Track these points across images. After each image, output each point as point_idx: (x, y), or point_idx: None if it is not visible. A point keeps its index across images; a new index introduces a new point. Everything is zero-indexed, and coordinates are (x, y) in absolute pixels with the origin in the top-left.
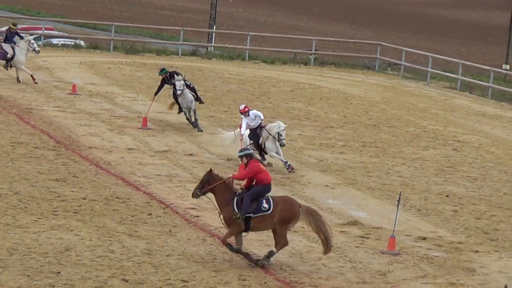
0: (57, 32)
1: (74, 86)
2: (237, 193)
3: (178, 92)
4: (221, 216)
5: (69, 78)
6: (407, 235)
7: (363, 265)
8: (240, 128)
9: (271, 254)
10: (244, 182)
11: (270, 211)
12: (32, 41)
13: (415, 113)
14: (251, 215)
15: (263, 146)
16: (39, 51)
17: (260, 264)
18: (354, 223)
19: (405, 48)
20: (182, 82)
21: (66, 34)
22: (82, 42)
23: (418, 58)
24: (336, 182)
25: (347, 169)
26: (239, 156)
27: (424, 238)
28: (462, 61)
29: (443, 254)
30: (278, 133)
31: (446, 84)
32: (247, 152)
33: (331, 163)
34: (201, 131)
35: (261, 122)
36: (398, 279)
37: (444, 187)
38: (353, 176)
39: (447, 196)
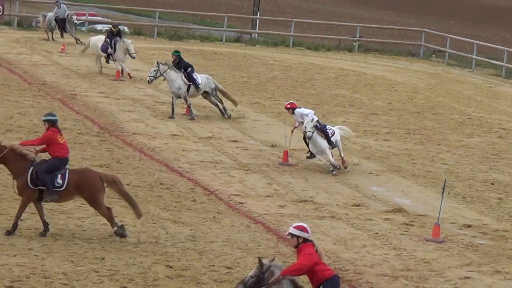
0: (101, 18)
1: (117, 72)
2: (34, 163)
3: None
4: (15, 184)
5: (113, 64)
6: (451, 223)
7: (407, 252)
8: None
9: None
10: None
11: (63, 188)
12: (130, 47)
13: (460, 100)
14: (43, 188)
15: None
16: (134, 57)
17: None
18: (399, 210)
19: (450, 35)
20: (166, 67)
21: (110, 20)
22: (126, 28)
23: (462, 45)
24: (381, 169)
25: (392, 156)
26: (43, 121)
27: (469, 226)
28: (507, 48)
29: (488, 242)
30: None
31: (491, 71)
32: (50, 117)
33: (376, 150)
34: (193, 119)
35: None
36: (442, 267)
37: (489, 174)
38: (398, 163)
39: (492, 183)
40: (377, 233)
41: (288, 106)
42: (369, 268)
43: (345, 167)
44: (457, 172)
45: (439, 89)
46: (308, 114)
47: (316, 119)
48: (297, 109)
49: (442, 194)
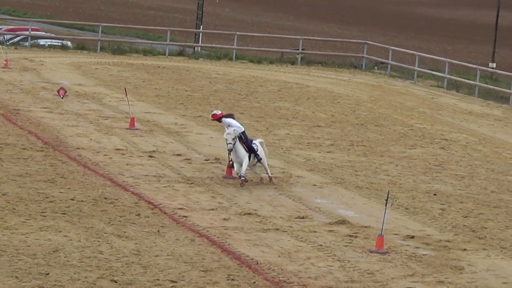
0: (44, 33)
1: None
2: None
3: None
4: None
5: (57, 79)
6: (395, 234)
7: (351, 264)
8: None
9: None
10: None
11: None
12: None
13: (402, 112)
14: None
15: None
16: None
17: None
18: (343, 222)
19: (392, 47)
20: None
21: (53, 35)
22: (69, 43)
23: (404, 57)
24: (324, 181)
25: (335, 168)
26: None
27: (412, 237)
28: (448, 59)
29: (431, 253)
30: None
31: (433, 83)
32: None
33: (319, 162)
34: None
35: None
36: (386, 278)
37: (432, 185)
38: (341, 175)
39: (435, 194)
40: (321, 245)
41: (213, 119)
42: (313, 280)
43: (273, 183)
44: (400, 183)
45: (381, 101)
46: (231, 124)
47: (241, 131)
48: (225, 118)
49: (386, 205)
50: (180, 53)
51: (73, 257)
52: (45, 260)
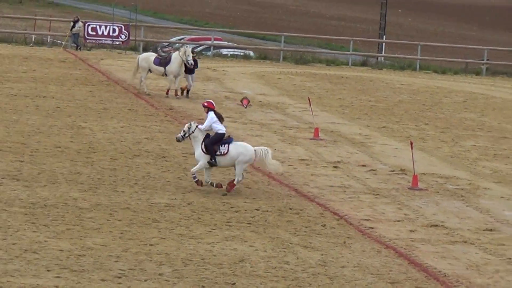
0: (226, 43)
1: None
2: None
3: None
4: None
5: (239, 88)
6: None
7: None
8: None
9: None
10: None
11: None
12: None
13: None
14: None
15: None
16: (192, 64)
17: None
18: None
19: None
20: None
21: (235, 44)
22: (251, 53)
23: None
24: None
25: None
26: None
27: None
28: None
29: None
30: None
31: None
32: None
33: (507, 174)
34: None
35: None
36: None
37: None
38: None
39: None
40: (510, 258)
41: (206, 104)
42: None
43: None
44: None
45: None
46: (207, 120)
47: (218, 131)
48: (210, 112)
49: None
50: (363, 63)
51: (259, 267)
52: (231, 270)
